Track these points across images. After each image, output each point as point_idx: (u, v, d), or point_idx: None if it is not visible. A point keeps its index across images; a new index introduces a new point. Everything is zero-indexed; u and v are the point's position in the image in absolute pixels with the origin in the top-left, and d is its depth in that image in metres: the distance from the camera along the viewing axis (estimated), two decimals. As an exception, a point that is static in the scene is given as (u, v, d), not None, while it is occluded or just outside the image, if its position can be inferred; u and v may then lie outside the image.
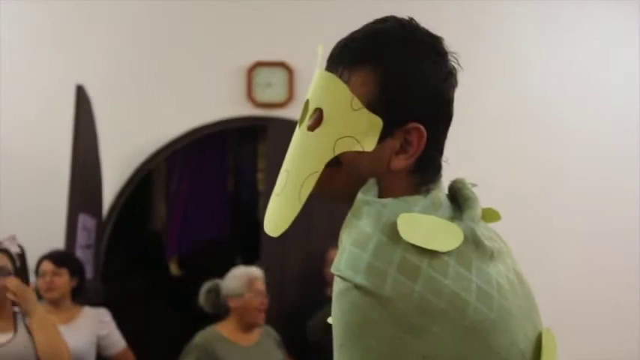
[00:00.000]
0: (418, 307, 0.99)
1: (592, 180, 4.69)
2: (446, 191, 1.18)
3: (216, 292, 3.64)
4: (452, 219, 1.11)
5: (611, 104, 4.75)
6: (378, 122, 1.10)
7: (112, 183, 4.47)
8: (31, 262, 3.48)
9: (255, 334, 3.61)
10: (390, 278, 1.00)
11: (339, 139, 1.11)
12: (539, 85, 4.75)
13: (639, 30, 4.78)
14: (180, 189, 5.29)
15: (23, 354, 2.75)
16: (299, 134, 1.17)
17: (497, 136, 4.70)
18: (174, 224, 5.30)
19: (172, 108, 4.65)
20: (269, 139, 4.63)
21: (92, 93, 4.16)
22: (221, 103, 4.65)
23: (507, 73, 4.75)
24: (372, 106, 1.11)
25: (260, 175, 5.15)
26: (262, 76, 4.65)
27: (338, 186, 1.15)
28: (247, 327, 3.58)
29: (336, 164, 1.12)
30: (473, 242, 1.08)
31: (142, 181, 4.82)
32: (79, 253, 3.86)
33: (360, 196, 1.09)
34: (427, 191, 1.13)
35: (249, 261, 4.47)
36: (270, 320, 3.71)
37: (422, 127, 1.11)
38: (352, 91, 1.11)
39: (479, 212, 1.14)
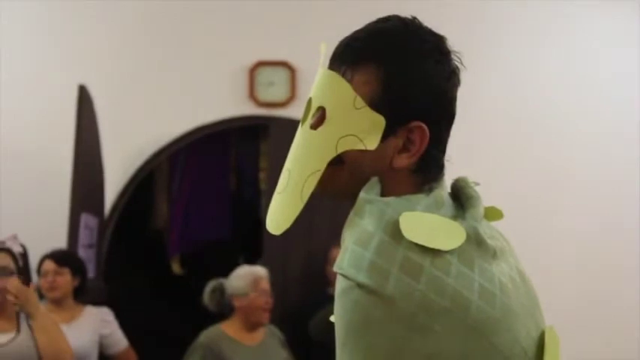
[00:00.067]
0: (420, 305, 0.99)
1: (592, 179, 4.69)
2: (448, 190, 1.18)
3: (220, 291, 3.64)
4: (454, 218, 1.11)
5: (611, 104, 4.75)
6: (380, 121, 1.10)
7: (114, 182, 4.48)
8: (33, 261, 3.50)
9: (260, 334, 3.62)
10: (392, 277, 1.00)
11: (342, 137, 1.11)
12: (540, 85, 4.75)
13: (639, 30, 4.78)
14: (183, 188, 5.29)
15: (25, 353, 2.75)
16: (301, 133, 1.17)
17: (497, 135, 4.69)
18: (176, 223, 5.30)
19: (174, 107, 4.65)
20: (271, 138, 4.63)
21: (94, 92, 4.16)
22: (223, 102, 4.66)
23: (508, 72, 4.74)
24: (375, 105, 1.11)
25: (262, 175, 5.15)
26: (264, 75, 4.65)
27: (340, 184, 1.15)
28: (252, 326, 3.58)
29: (338, 163, 1.12)
30: (475, 241, 1.08)
31: (144, 181, 4.83)
32: (81, 252, 3.86)
33: (362, 194, 1.09)
34: (430, 190, 1.13)
35: (251, 260, 4.47)
36: (272, 319, 3.72)
37: (424, 126, 1.11)
38: (355, 89, 1.11)
39: (481, 211, 1.14)
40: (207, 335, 3.53)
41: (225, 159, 5.41)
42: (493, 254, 1.10)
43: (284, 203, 1.15)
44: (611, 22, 4.81)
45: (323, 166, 1.12)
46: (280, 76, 4.64)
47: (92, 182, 4.15)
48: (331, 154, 1.12)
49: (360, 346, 1.00)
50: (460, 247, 1.05)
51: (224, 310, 3.64)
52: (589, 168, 4.69)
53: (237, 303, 3.57)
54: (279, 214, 1.15)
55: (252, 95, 4.64)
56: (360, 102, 1.11)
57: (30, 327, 2.80)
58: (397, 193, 1.11)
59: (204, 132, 4.64)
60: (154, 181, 5.34)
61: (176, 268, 5.35)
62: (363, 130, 1.11)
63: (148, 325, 4.79)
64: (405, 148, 1.12)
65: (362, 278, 1.01)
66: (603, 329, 4.57)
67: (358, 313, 1.00)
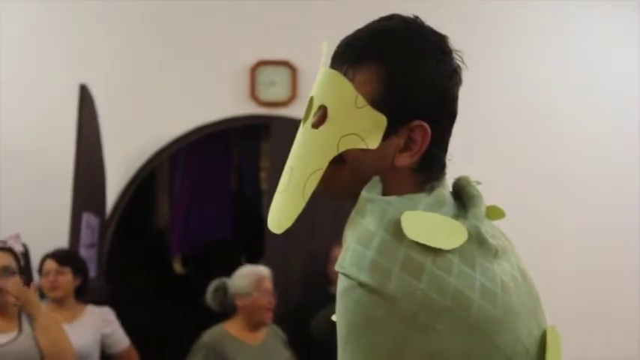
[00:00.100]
0: (422, 304, 0.99)
1: (592, 179, 4.69)
2: (450, 189, 1.18)
3: (223, 290, 3.64)
4: (456, 217, 1.11)
5: (611, 104, 4.75)
6: (382, 120, 1.10)
7: (115, 182, 4.48)
8: (35, 260, 3.50)
9: (262, 333, 3.62)
10: (394, 276, 1.00)
11: (343, 136, 1.11)
12: (540, 85, 4.75)
13: (639, 30, 4.78)
14: (184, 187, 5.30)
15: (27, 353, 2.75)
16: (303, 132, 1.17)
17: (497, 135, 4.69)
18: (177, 223, 5.30)
19: (176, 107, 4.65)
20: (272, 137, 4.63)
21: (95, 92, 4.16)
22: (224, 101, 4.66)
23: (508, 72, 4.75)
24: (377, 104, 1.11)
25: (263, 174, 5.15)
26: (265, 74, 4.65)
27: (342, 183, 1.15)
28: (255, 326, 3.58)
29: (340, 162, 1.12)
30: (477, 240, 1.08)
31: (146, 180, 4.82)
32: (83, 251, 3.87)
33: (364, 193, 1.09)
34: (431, 189, 1.12)
35: (252, 259, 4.47)
36: (274, 318, 3.71)
37: (426, 125, 1.11)
38: (357, 88, 1.11)
39: (483, 210, 1.14)
40: (210, 335, 3.53)
41: (227, 158, 5.41)
42: (495, 253, 1.10)
43: (285, 202, 1.15)
44: (611, 22, 4.81)
45: (324, 165, 1.12)
46: (281, 75, 4.64)
47: (93, 182, 4.15)
48: (333, 153, 1.12)
49: (361, 345, 1.00)
50: (462, 246, 1.05)
51: (227, 310, 3.64)
52: (589, 168, 4.69)
53: (239, 302, 3.58)
54: (281, 213, 1.15)
55: (253, 95, 4.64)
56: (361, 101, 1.11)
57: (32, 326, 2.80)
58: (399, 192, 1.11)
59: (205, 131, 4.64)
60: (155, 181, 5.34)
61: (177, 267, 5.35)
62: (364, 129, 1.11)
63: (150, 325, 4.79)
64: (406, 147, 1.12)
65: (363, 277, 1.01)
66: (603, 329, 4.57)
67: (360, 313, 1.00)
